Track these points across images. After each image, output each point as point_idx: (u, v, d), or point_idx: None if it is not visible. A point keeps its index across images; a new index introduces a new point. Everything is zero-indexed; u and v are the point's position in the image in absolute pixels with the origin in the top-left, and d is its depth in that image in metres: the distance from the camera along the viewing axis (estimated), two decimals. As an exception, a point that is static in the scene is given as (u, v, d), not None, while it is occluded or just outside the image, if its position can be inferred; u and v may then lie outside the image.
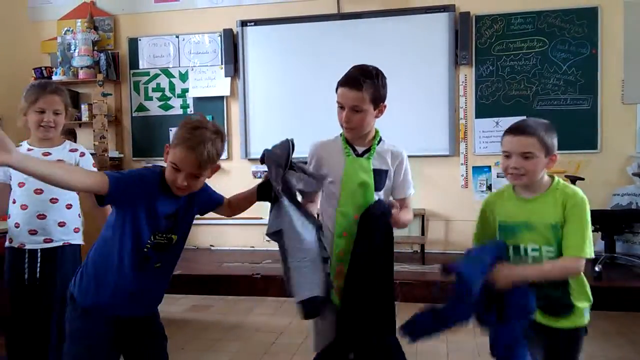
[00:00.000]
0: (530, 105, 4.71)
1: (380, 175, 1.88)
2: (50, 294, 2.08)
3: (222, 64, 5.26)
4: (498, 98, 4.78)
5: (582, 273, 1.82)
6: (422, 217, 4.75)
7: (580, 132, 4.64)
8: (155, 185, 1.65)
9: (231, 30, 5.19)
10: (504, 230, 1.78)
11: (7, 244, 2.12)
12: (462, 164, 4.87)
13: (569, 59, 4.65)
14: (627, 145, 4.59)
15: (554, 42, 4.67)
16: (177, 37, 5.39)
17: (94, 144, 5.09)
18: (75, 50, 5.31)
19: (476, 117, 4.83)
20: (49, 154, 2.12)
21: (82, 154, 2.23)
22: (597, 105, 4.61)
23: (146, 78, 5.48)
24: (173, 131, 5.57)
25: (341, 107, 1.91)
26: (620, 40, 4.58)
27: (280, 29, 5.12)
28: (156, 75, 5.46)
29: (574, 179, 4.23)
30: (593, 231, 4.13)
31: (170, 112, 5.42)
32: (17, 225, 2.10)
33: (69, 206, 2.18)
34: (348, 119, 1.87)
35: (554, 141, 1.85)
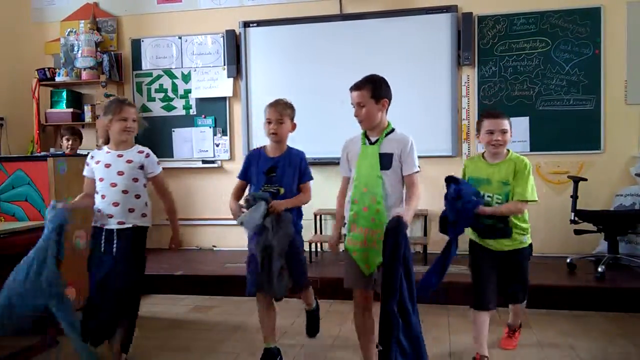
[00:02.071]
0: (533, 105, 4.70)
1: (386, 158, 2.43)
2: (122, 262, 2.62)
3: (224, 65, 5.27)
4: (501, 98, 4.77)
5: (524, 212, 2.65)
6: (424, 217, 4.75)
7: (583, 133, 4.63)
8: (254, 155, 2.82)
9: (234, 31, 5.20)
10: (472, 182, 2.68)
11: (92, 224, 2.72)
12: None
13: (571, 59, 4.64)
14: (631, 146, 4.58)
15: (556, 42, 4.66)
16: (180, 38, 5.40)
17: (97, 145, 5.09)
18: (78, 51, 5.33)
19: (478, 118, 4.82)
20: (122, 155, 2.71)
21: (147, 155, 2.79)
22: (600, 106, 4.60)
23: (149, 79, 5.49)
24: (176, 132, 5.63)
25: (353, 106, 2.50)
26: (623, 41, 4.57)
27: (282, 30, 5.13)
28: (159, 76, 5.47)
29: (576, 180, 4.23)
30: (596, 231, 4.17)
31: (173, 113, 5.43)
32: (99, 211, 2.67)
33: (137, 196, 2.69)
34: (357, 113, 2.48)
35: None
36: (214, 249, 5.29)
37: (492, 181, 2.62)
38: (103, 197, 2.66)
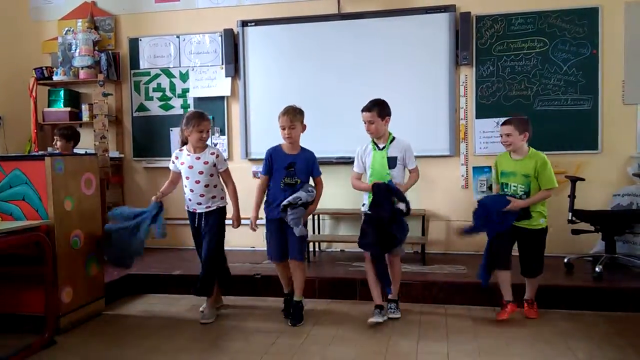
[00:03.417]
0: (531, 105, 4.71)
1: (391, 160, 3.40)
2: (211, 234, 3.54)
3: (222, 64, 5.27)
4: (498, 98, 4.78)
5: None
6: (422, 217, 4.74)
7: (580, 133, 4.64)
8: (275, 151, 3.48)
9: (232, 30, 5.19)
10: (503, 175, 3.42)
11: (186, 208, 3.63)
12: (462, 165, 4.87)
13: (569, 59, 4.65)
14: (628, 146, 4.58)
15: (554, 42, 4.67)
16: (178, 37, 5.39)
17: (95, 144, 5.09)
18: (76, 50, 5.31)
19: (476, 118, 4.83)
20: (199, 157, 3.51)
21: (217, 155, 3.55)
22: (597, 106, 4.61)
23: (147, 78, 5.48)
24: (174, 131, 5.63)
25: (365, 122, 3.43)
26: (621, 41, 4.58)
27: (280, 29, 5.12)
28: (157, 75, 5.46)
29: (574, 180, 4.23)
30: (593, 231, 4.19)
31: (171, 112, 5.42)
32: (190, 200, 3.56)
33: (215, 186, 3.57)
34: (368, 128, 3.43)
35: (525, 126, 3.35)
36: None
37: (517, 174, 3.33)
38: (191, 190, 3.52)
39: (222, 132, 5.32)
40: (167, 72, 5.43)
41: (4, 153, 5.09)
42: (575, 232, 4.25)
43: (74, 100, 5.51)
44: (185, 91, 5.39)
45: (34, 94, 5.25)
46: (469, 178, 4.81)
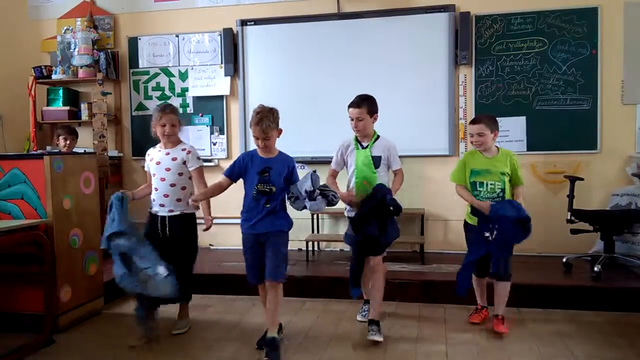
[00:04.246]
0: (530, 105, 4.71)
1: (376, 159, 3.22)
2: (175, 243, 3.18)
3: (221, 63, 5.26)
4: (498, 98, 4.78)
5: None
6: (421, 217, 4.75)
7: (579, 133, 4.64)
8: (248, 156, 2.96)
9: (231, 29, 5.19)
10: (475, 173, 3.23)
11: (149, 210, 3.26)
12: (461, 164, 4.86)
13: (568, 59, 4.65)
14: (627, 146, 4.59)
15: (553, 42, 4.67)
16: (177, 36, 5.39)
17: (94, 143, 5.09)
18: (75, 49, 5.30)
19: (476, 117, 4.83)
20: (169, 153, 3.21)
21: (189, 152, 3.22)
22: (596, 106, 4.61)
23: (146, 77, 5.48)
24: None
25: (351, 119, 3.21)
26: (620, 41, 4.58)
27: (280, 29, 5.12)
28: (156, 74, 5.46)
29: (573, 179, 4.23)
30: (592, 231, 4.20)
31: (170, 111, 5.41)
32: (153, 200, 3.22)
33: (183, 188, 3.21)
34: (356, 125, 3.21)
35: (496, 125, 3.26)
36: (211, 247, 5.28)
37: (492, 172, 3.18)
38: (156, 189, 3.20)
39: (221, 132, 5.32)
40: (166, 71, 5.43)
41: (2, 152, 5.08)
42: (574, 231, 4.25)
43: (73, 99, 5.51)
44: (185, 90, 5.38)
45: (32, 92, 5.25)
46: (468, 178, 4.82)
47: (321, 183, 2.94)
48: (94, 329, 3.44)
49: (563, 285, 3.81)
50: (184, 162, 3.19)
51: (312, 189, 2.84)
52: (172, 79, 5.42)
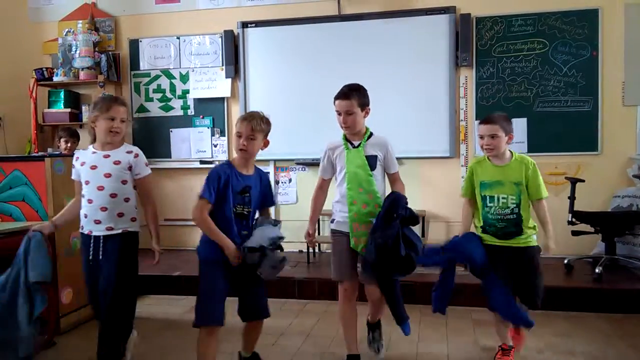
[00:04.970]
0: (531, 107, 4.71)
1: (372, 159, 2.64)
2: (110, 271, 2.49)
3: (222, 65, 5.27)
4: (498, 100, 4.78)
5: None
6: (422, 218, 4.75)
7: (580, 134, 4.64)
8: (227, 172, 2.39)
9: (232, 31, 5.19)
10: (484, 186, 2.70)
11: (80, 230, 2.58)
12: (462, 166, 4.86)
13: (569, 60, 4.65)
14: (628, 147, 4.59)
15: (554, 44, 4.67)
16: (178, 38, 5.39)
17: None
18: (76, 51, 5.32)
19: (476, 119, 4.82)
20: (109, 155, 2.53)
21: (136, 155, 2.60)
22: (597, 107, 4.61)
23: (147, 79, 5.49)
24: (174, 132, 5.62)
25: (339, 113, 2.65)
26: (621, 42, 4.58)
27: (281, 31, 5.13)
28: (157, 77, 5.46)
29: (574, 181, 4.23)
30: (593, 232, 4.19)
31: (171, 113, 5.42)
32: (85, 216, 2.54)
33: (126, 199, 2.55)
34: (344, 121, 2.63)
35: (510, 127, 2.69)
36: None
37: (504, 183, 2.65)
38: (90, 201, 2.50)
39: (222, 134, 5.32)
40: (167, 74, 5.44)
41: (3, 154, 5.09)
42: (575, 233, 4.24)
43: (74, 101, 5.51)
44: (186, 92, 5.39)
45: (34, 94, 5.26)
46: (469, 179, 4.82)
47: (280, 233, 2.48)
48: (95, 332, 3.42)
49: (564, 286, 3.80)
50: (130, 168, 2.55)
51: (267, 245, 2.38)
52: (173, 81, 5.42)
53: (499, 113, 2.75)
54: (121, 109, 2.52)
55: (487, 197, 2.68)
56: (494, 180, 2.67)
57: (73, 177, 2.60)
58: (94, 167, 2.51)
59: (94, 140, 2.59)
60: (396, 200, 2.52)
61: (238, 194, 2.41)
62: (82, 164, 2.54)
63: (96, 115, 2.50)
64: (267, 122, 2.52)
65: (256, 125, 2.42)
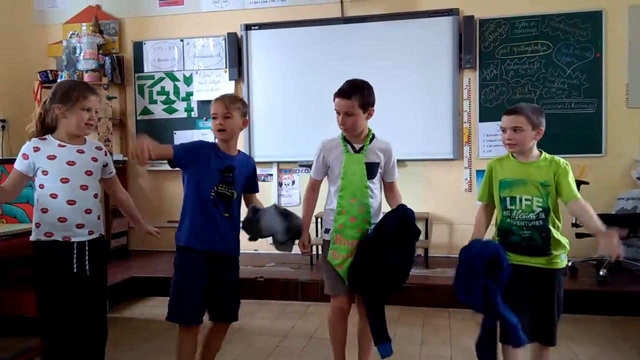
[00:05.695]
0: (535, 109, 4.70)
1: (372, 167, 2.38)
2: (101, 282, 2.28)
3: (226, 68, 5.28)
4: (502, 102, 4.77)
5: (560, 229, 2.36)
6: (425, 220, 4.74)
7: (584, 136, 4.63)
8: (209, 147, 2.37)
9: (235, 34, 5.21)
10: (504, 185, 2.26)
11: (43, 237, 2.15)
12: (465, 168, 4.86)
13: (573, 62, 4.64)
14: (632, 149, 4.57)
15: (558, 45, 4.66)
16: (182, 40, 5.41)
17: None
18: (80, 53, 5.33)
19: (480, 121, 4.82)
20: (83, 151, 2.25)
21: (106, 153, 2.41)
22: (601, 109, 4.60)
23: (151, 81, 5.50)
24: (177, 134, 5.62)
25: (338, 113, 2.38)
26: (625, 44, 4.57)
27: (284, 33, 5.14)
28: (161, 79, 5.48)
29: (578, 183, 4.21)
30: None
31: (175, 115, 5.44)
32: (65, 220, 2.15)
33: (100, 201, 2.33)
34: (343, 122, 2.35)
35: (540, 119, 2.24)
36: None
37: (528, 182, 2.21)
38: (70, 202, 2.15)
39: (225, 135, 5.33)
40: (171, 76, 5.45)
41: (8, 156, 5.11)
42: (580, 235, 4.23)
43: (78, 103, 5.52)
44: (189, 94, 5.40)
45: (38, 97, 5.28)
46: (472, 181, 4.82)
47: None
48: None
49: (568, 289, 3.75)
50: (105, 165, 2.35)
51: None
52: (176, 83, 5.44)
53: (528, 104, 2.35)
54: (96, 99, 2.25)
55: (508, 198, 2.24)
56: (516, 178, 2.23)
57: (21, 168, 2.18)
58: (71, 163, 2.18)
59: (42, 131, 2.25)
60: (410, 218, 2.27)
61: (220, 172, 2.29)
62: (52, 157, 2.16)
63: (70, 105, 2.17)
64: (242, 102, 2.40)
65: (230, 103, 2.31)
